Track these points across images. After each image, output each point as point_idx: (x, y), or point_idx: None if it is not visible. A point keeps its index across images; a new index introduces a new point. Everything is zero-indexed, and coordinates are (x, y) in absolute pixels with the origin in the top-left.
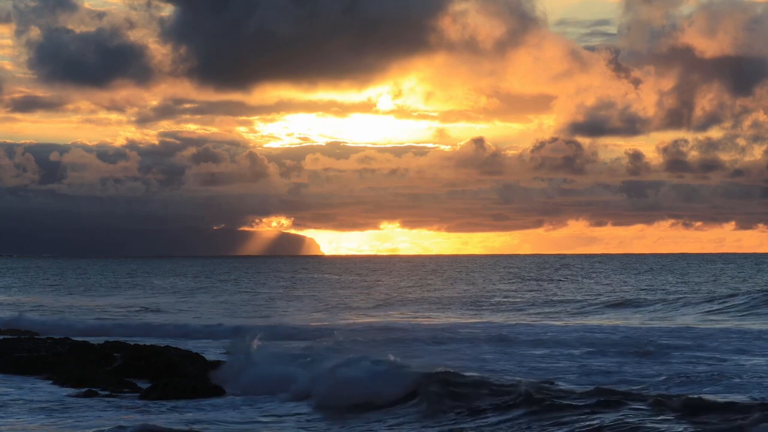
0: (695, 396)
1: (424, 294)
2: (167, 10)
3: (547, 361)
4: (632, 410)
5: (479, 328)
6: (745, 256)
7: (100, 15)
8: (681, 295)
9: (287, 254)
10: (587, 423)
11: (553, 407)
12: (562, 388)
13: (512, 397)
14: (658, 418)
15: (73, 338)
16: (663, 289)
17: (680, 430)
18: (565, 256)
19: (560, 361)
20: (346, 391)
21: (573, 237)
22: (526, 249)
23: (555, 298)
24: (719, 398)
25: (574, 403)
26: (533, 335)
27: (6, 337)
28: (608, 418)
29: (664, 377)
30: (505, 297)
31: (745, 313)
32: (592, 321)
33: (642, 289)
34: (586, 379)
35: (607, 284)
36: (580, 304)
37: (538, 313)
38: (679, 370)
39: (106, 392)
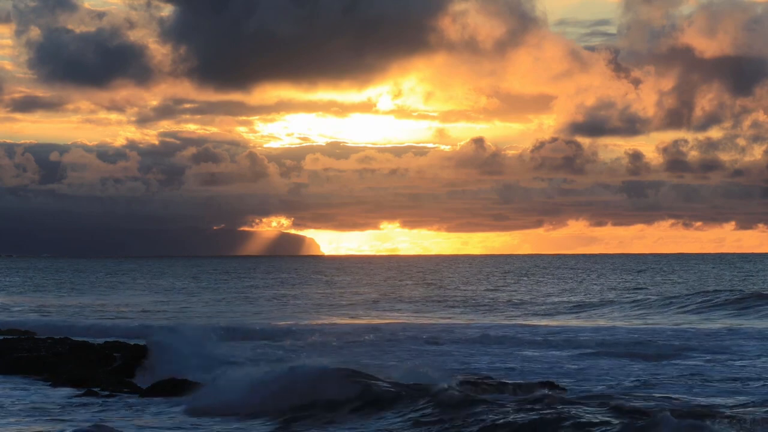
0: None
1: (419, 294)
2: (167, 10)
3: (536, 361)
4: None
5: (471, 328)
6: (745, 257)
7: (100, 15)
8: (662, 296)
9: (287, 254)
10: (500, 420)
11: (469, 405)
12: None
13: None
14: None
15: (73, 338)
16: (646, 290)
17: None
18: (565, 256)
19: (537, 362)
20: (229, 397)
21: (573, 237)
22: (526, 249)
23: (540, 299)
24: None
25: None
26: (522, 336)
27: (6, 337)
28: (526, 416)
29: (632, 378)
30: (497, 297)
31: (731, 312)
32: (576, 322)
33: (634, 290)
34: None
35: (598, 284)
36: (562, 304)
37: (526, 314)
38: (644, 370)
39: (106, 392)
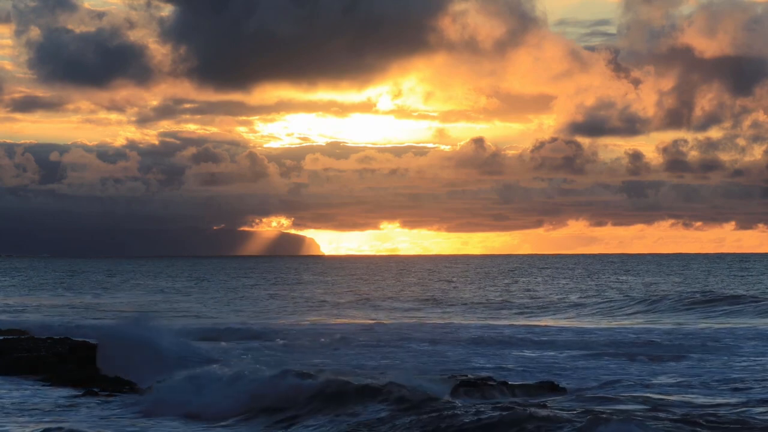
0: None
1: (417, 294)
2: (167, 10)
3: (535, 361)
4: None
5: (470, 328)
6: (745, 257)
7: (100, 15)
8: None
9: (287, 254)
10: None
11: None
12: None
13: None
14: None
15: (73, 338)
16: (647, 289)
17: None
18: (565, 256)
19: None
20: (186, 399)
21: (573, 237)
22: (526, 249)
23: (539, 299)
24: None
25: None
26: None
27: (6, 337)
28: (488, 415)
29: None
30: (497, 297)
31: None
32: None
33: (634, 289)
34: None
35: (597, 284)
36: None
37: (526, 314)
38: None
39: (106, 392)
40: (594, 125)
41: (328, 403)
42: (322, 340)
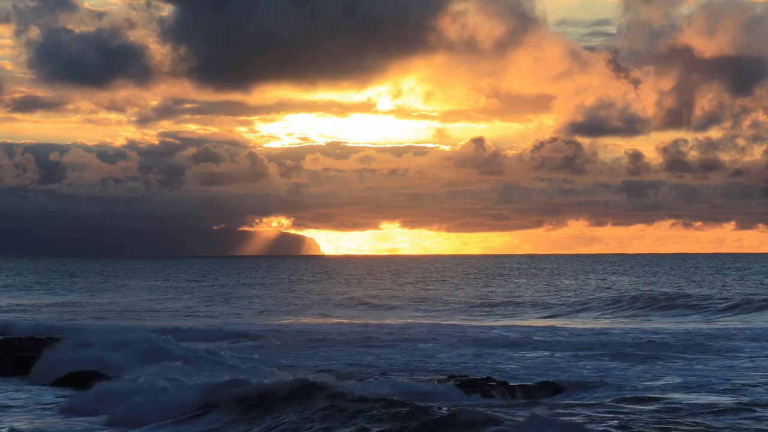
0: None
1: (416, 294)
2: (167, 10)
3: (534, 361)
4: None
5: (468, 329)
6: (745, 257)
7: (100, 15)
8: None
9: (287, 254)
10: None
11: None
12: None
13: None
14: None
15: None
16: (646, 290)
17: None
18: (564, 256)
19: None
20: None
21: (573, 237)
22: (526, 249)
23: (538, 299)
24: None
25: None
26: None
27: (6, 337)
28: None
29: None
30: (495, 297)
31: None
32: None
33: (633, 290)
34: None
35: (597, 285)
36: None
37: (524, 314)
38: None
39: None
40: (594, 125)
41: (286, 402)
42: (317, 339)
